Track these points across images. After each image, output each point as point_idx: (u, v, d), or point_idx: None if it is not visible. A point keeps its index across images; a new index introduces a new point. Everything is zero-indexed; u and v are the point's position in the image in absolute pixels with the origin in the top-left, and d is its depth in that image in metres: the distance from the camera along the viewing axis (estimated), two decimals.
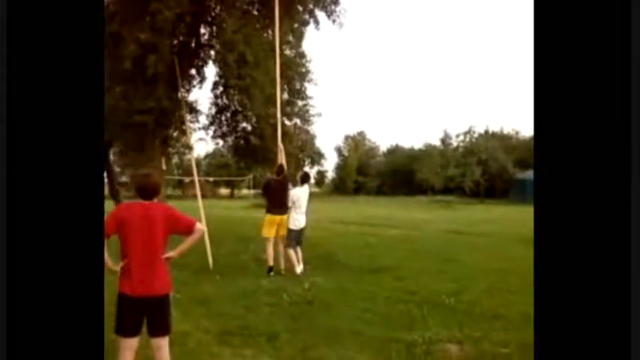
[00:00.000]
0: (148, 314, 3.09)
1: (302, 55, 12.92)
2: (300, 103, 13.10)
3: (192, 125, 14.94)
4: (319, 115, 14.64)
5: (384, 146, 58.80)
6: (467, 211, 26.18)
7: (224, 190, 49.05)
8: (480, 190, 36.86)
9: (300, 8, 10.99)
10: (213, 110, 13.90)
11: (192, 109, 13.19)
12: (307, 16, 12.01)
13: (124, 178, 26.18)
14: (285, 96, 12.59)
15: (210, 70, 13.83)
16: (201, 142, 45.91)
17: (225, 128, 14.46)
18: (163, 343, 3.15)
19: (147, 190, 3.21)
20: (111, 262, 3.10)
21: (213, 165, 46.98)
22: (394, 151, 55.48)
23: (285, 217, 7.99)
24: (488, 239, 12.77)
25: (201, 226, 3.27)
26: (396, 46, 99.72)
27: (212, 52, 13.32)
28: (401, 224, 16.88)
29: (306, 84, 13.08)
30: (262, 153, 14.06)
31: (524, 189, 34.15)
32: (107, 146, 17.06)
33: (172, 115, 10.48)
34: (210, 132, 14.56)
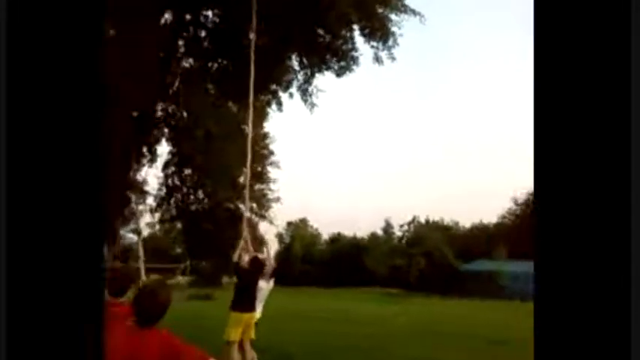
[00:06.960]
0: None
1: (265, 136, 12.41)
2: (257, 186, 12.37)
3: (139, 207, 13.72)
4: (277, 199, 13.92)
5: (326, 234, 57.53)
6: (424, 306, 25.23)
7: (153, 277, 45.58)
8: (424, 281, 36.51)
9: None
10: (163, 191, 12.87)
11: (141, 191, 12.05)
12: (270, 97, 11.60)
13: None
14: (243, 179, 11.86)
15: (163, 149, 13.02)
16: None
17: (174, 211, 13.37)
18: None
19: (153, 315, 2.17)
20: None
21: (147, 250, 43.85)
22: (337, 240, 54.12)
23: (254, 314, 6.83)
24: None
25: None
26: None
27: (165, 130, 12.57)
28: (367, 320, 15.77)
29: (268, 167, 12.47)
30: (215, 239, 12.97)
31: (464, 282, 34.16)
32: None
33: (122, 196, 9.34)
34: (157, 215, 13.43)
